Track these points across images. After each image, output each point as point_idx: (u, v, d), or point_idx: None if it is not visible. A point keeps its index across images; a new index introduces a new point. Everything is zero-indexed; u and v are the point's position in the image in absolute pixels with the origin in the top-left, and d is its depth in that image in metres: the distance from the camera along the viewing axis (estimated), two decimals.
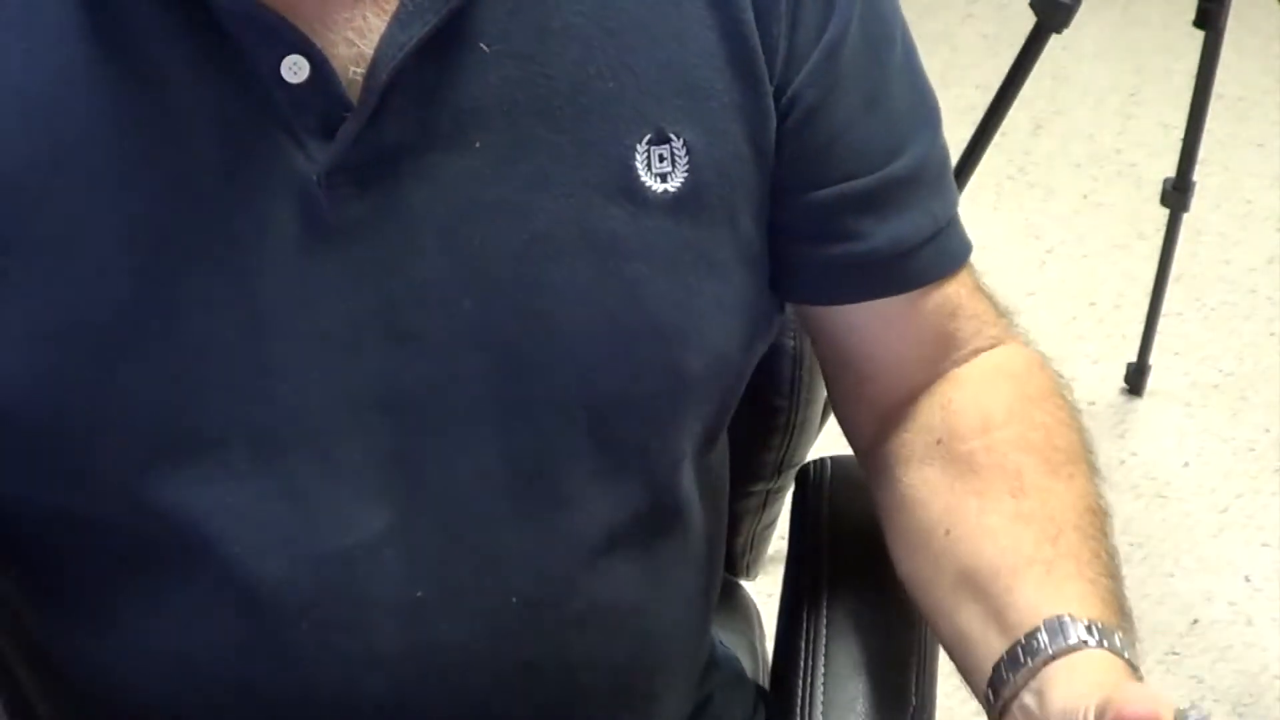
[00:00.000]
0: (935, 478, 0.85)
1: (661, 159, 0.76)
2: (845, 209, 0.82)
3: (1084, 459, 0.85)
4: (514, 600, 0.80)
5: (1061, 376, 0.90)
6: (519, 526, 0.79)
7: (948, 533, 0.83)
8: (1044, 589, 0.78)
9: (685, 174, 0.77)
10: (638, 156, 0.76)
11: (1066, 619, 0.75)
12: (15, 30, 0.69)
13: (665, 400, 0.80)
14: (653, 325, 0.77)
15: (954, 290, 0.87)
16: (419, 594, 0.77)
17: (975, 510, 0.83)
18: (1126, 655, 0.75)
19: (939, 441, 0.86)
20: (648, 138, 0.76)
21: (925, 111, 0.85)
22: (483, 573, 0.79)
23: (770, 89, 0.78)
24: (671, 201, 0.77)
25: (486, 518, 0.78)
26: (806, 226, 0.82)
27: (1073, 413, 0.88)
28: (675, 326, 0.78)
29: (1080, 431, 0.87)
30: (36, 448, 0.72)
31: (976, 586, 0.81)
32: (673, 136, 0.76)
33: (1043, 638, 0.75)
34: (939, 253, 0.85)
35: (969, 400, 0.87)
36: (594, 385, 0.77)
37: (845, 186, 0.81)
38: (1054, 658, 0.75)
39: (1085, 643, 0.75)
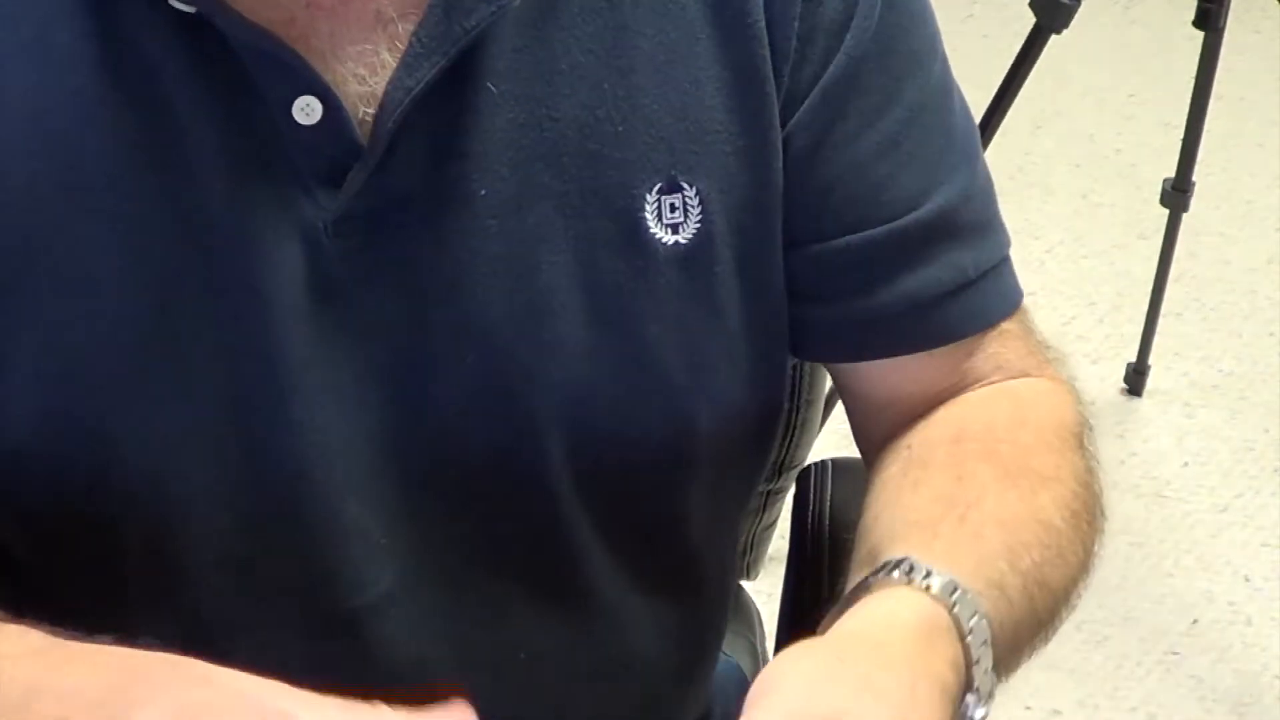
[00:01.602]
0: (893, 474, 0.80)
1: (673, 209, 0.73)
2: (849, 263, 0.77)
3: (1061, 482, 0.77)
4: (521, 655, 0.78)
5: (1089, 424, 0.82)
6: (526, 585, 0.77)
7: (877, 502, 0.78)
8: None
9: (698, 224, 0.73)
10: (648, 206, 0.72)
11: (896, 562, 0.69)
12: (26, 56, 0.67)
13: (672, 458, 0.77)
14: (661, 383, 0.74)
15: (980, 340, 0.80)
16: (425, 651, 0.76)
17: (908, 488, 0.77)
18: (943, 595, 0.67)
19: (909, 447, 0.81)
20: (658, 186, 0.72)
21: (954, 155, 0.79)
22: (489, 629, 0.77)
23: (779, 132, 0.74)
24: (682, 253, 0.73)
25: (492, 577, 0.76)
26: (809, 281, 0.78)
27: (1078, 446, 0.80)
28: (684, 383, 0.75)
29: (1077, 470, 0.79)
30: (43, 488, 0.71)
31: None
32: (685, 185, 0.73)
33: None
34: (965, 309, 0.79)
35: (955, 414, 0.81)
36: (599, 444, 0.74)
37: (853, 238, 0.76)
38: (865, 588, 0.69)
39: (890, 576, 0.68)
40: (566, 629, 0.80)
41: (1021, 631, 0.73)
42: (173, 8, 0.66)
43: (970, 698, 0.67)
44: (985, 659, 0.68)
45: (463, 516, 0.75)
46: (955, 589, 0.68)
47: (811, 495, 1.04)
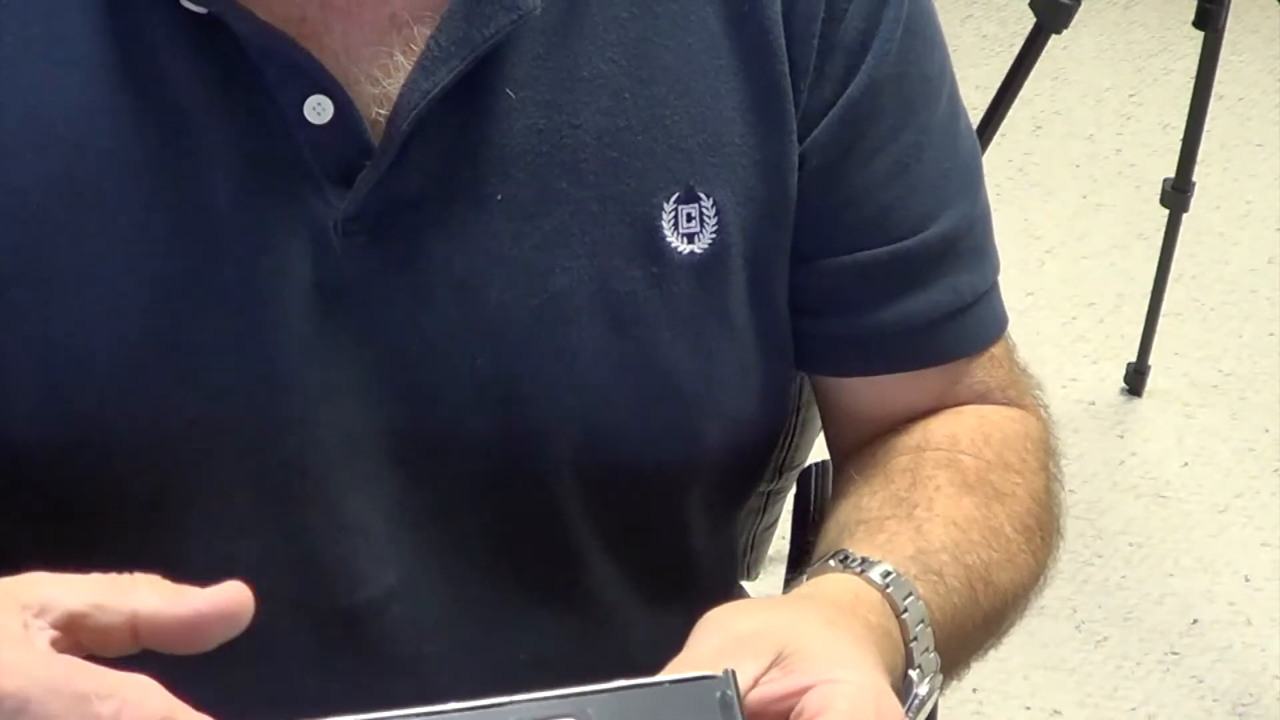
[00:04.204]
0: (853, 478, 0.81)
1: (689, 218, 0.73)
2: (851, 280, 0.78)
3: (1016, 499, 0.78)
4: (521, 656, 0.78)
5: (1056, 452, 0.83)
6: (527, 586, 0.77)
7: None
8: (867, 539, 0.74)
9: (714, 235, 0.73)
10: (664, 215, 0.73)
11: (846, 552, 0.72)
12: (36, 53, 0.67)
13: (677, 470, 0.77)
14: (672, 393, 0.75)
15: (968, 365, 0.81)
16: (426, 650, 0.76)
17: (865, 491, 0.79)
18: (878, 579, 0.69)
19: (873, 454, 0.82)
20: (676, 196, 0.73)
21: (959, 180, 0.80)
22: (490, 630, 0.77)
23: (796, 147, 0.74)
24: (697, 263, 0.74)
25: (491, 576, 0.76)
26: (809, 295, 0.78)
27: (1041, 468, 0.82)
28: (695, 394, 0.75)
29: (1035, 490, 0.80)
30: (42, 480, 0.71)
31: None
32: (702, 196, 0.73)
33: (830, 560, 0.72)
34: (958, 332, 0.80)
35: (920, 424, 0.82)
36: (606, 449, 0.74)
37: (860, 256, 0.77)
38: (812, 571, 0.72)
39: (828, 564, 0.71)
40: (567, 630, 0.80)
41: (964, 621, 0.73)
42: (183, 8, 0.67)
43: (913, 673, 0.68)
44: (924, 638, 0.69)
45: (465, 517, 0.75)
46: (889, 573, 0.70)
47: (812, 495, 1.04)
